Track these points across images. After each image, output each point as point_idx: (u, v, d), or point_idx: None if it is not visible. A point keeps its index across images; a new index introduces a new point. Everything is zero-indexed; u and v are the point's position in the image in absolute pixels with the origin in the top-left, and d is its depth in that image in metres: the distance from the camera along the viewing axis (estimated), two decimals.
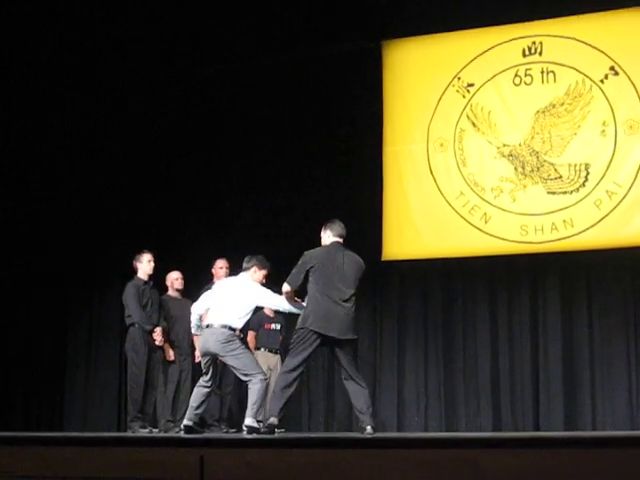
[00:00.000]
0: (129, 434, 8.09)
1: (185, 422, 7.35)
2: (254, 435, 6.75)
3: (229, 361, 7.31)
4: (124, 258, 9.03)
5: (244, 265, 7.55)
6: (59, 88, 10.25)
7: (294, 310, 7.27)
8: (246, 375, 7.14)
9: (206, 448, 4.86)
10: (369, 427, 6.72)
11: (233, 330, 7.42)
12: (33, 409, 10.14)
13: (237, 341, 7.42)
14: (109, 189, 10.30)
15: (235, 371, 7.36)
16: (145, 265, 8.53)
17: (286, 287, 7.12)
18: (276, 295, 7.30)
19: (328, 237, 7.23)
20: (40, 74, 10.16)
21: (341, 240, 7.19)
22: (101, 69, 10.14)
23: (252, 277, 7.49)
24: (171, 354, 8.56)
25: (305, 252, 7.12)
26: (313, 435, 7.00)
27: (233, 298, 7.42)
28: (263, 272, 7.50)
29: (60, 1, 9.61)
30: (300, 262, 7.08)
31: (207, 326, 7.43)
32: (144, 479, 4.81)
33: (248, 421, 7.05)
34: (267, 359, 8.75)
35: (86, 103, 10.36)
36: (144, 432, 8.02)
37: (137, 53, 10.07)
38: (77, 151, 10.42)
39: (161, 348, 8.44)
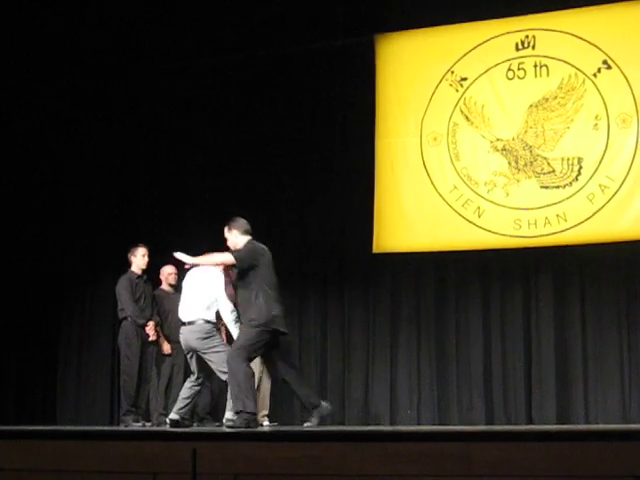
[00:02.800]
0: (122, 428, 8.10)
1: (172, 415, 7.35)
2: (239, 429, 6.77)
3: (209, 357, 7.26)
4: (117, 251, 9.01)
5: None
6: (54, 86, 10.24)
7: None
8: (225, 373, 7.05)
9: (199, 441, 4.87)
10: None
11: (213, 324, 7.40)
12: (26, 403, 10.11)
13: (217, 336, 7.40)
14: (103, 183, 10.27)
15: (213, 365, 7.26)
16: (139, 259, 8.53)
17: (230, 259, 6.92)
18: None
19: (236, 237, 7.00)
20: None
21: (250, 237, 7.04)
22: (97, 66, 10.13)
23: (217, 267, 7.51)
24: (166, 347, 8.54)
25: (250, 243, 7.01)
26: (306, 428, 6.98)
27: (201, 290, 7.44)
28: None
29: None
30: (251, 248, 6.92)
31: (186, 323, 7.40)
32: (137, 473, 4.81)
33: (229, 415, 7.09)
34: None
35: (79, 99, 10.34)
36: (137, 426, 8.03)
37: (134, 49, 10.05)
38: (72, 147, 10.39)
39: (154, 342, 8.44)
